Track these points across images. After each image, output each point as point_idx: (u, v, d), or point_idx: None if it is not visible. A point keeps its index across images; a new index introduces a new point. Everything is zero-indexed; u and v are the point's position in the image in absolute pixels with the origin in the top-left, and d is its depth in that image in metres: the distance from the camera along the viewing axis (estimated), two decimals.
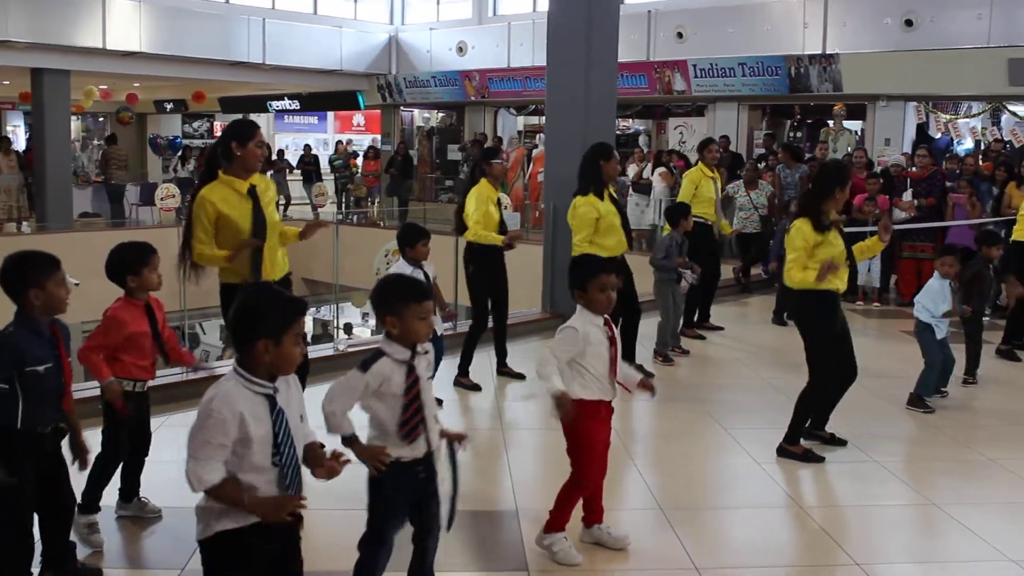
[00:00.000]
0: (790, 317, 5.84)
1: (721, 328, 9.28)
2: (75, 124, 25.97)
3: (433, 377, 3.53)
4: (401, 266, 6.19)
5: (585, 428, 4.11)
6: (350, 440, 3.34)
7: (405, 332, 3.32)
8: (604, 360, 4.10)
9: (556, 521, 4.21)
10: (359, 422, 3.40)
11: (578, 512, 4.32)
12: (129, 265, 4.16)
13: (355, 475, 3.30)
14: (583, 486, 4.20)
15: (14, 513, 3.56)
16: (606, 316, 4.15)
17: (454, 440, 3.51)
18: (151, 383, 4.39)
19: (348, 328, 12.81)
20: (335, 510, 4.19)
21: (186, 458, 2.74)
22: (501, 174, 7.02)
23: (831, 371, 5.67)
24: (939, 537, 4.78)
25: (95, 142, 27.34)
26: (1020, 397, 7.35)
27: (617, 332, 4.22)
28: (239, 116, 25.28)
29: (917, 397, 6.68)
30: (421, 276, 5.95)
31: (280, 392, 2.84)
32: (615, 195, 7.13)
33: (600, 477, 4.28)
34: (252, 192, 5.05)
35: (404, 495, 3.42)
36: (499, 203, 7.04)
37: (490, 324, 7.26)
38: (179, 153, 23.61)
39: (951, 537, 4.71)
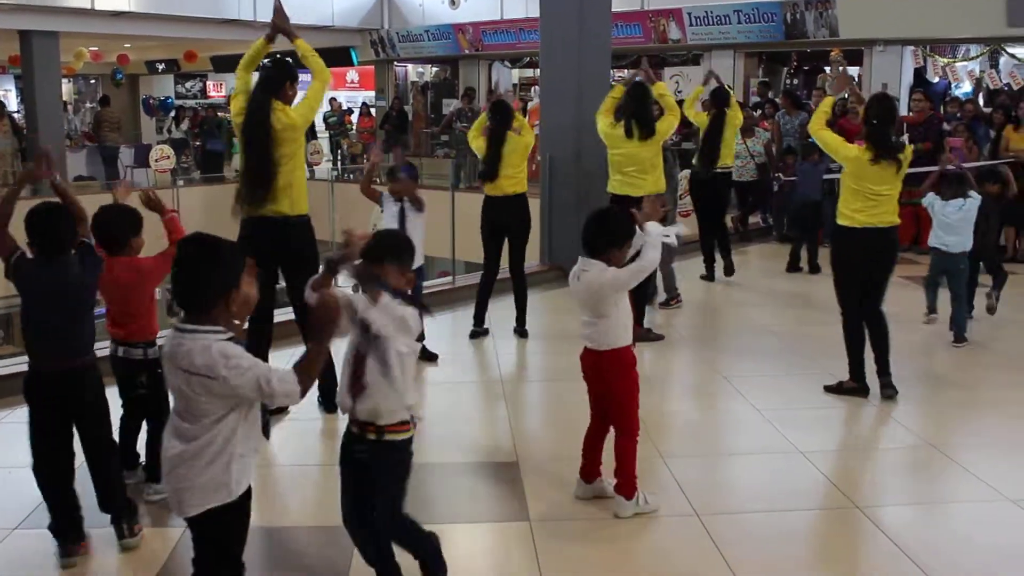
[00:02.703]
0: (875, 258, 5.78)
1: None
2: (67, 87, 25.72)
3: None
4: (384, 198, 6.28)
5: (634, 376, 4.12)
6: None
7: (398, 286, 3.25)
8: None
9: (629, 482, 4.13)
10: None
11: (576, 467, 4.35)
12: (133, 228, 4.27)
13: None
14: (634, 434, 4.13)
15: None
16: None
17: None
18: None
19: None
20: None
21: (262, 388, 2.59)
22: None
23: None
24: (937, 478, 4.82)
25: (87, 104, 27.11)
26: None
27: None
28: (231, 75, 25.05)
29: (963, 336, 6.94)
30: (396, 211, 6.13)
31: None
32: None
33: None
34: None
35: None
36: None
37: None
38: (172, 114, 23.40)
39: (949, 478, 4.75)
